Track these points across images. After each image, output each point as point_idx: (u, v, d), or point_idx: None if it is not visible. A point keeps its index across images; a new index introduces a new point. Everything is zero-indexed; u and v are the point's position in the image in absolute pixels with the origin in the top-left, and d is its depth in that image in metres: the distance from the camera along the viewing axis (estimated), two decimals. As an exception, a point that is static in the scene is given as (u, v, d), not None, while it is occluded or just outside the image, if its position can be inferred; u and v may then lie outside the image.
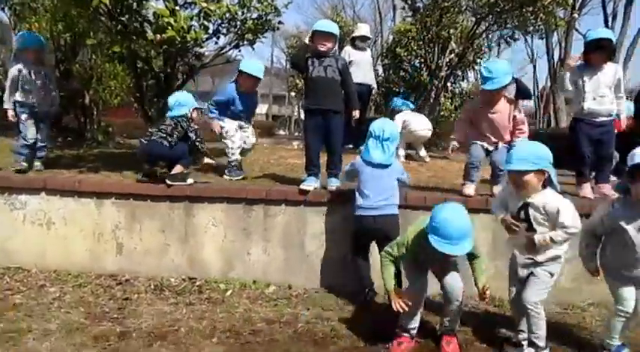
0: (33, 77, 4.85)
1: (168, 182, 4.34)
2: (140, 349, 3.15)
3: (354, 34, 7.82)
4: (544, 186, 2.95)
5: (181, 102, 4.58)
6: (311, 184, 4.22)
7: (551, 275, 3.03)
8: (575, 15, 6.96)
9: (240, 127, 5.01)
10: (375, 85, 7.94)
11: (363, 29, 7.84)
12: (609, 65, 4.52)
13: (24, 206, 4.41)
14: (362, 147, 3.97)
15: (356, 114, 4.42)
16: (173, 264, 4.35)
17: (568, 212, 2.88)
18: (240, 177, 4.79)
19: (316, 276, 4.30)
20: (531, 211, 2.98)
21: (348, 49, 7.64)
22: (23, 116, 4.84)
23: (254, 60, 5.09)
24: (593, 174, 4.75)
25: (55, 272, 4.32)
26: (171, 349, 3.17)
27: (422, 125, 6.71)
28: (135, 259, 4.37)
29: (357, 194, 3.80)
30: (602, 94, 4.48)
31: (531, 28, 6.84)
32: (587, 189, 4.56)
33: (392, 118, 6.12)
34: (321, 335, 3.44)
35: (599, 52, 4.44)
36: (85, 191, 4.37)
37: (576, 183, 4.67)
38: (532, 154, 2.90)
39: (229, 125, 4.94)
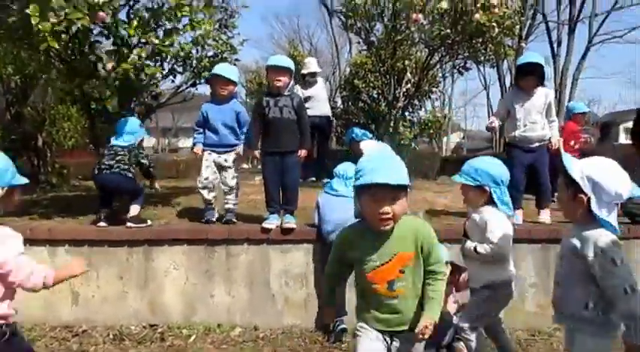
0: None
1: (130, 225, 4.23)
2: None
3: (302, 72, 7.72)
4: (487, 204, 2.94)
5: (130, 130, 4.52)
6: (273, 222, 4.15)
7: (483, 302, 2.96)
8: (523, 44, 7.25)
9: (218, 165, 4.41)
10: (330, 120, 7.86)
11: (311, 66, 7.74)
12: (540, 90, 4.59)
13: (-29, 258, 4.19)
14: (325, 181, 4.02)
15: (303, 153, 4.23)
16: (132, 310, 4.19)
17: (496, 228, 2.84)
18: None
19: (282, 316, 4.20)
20: (468, 224, 3.04)
21: (298, 88, 7.33)
22: None
23: (226, 64, 4.88)
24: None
25: (6, 327, 4.08)
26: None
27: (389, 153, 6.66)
28: (92, 308, 4.19)
29: (321, 222, 4.01)
30: (533, 121, 4.56)
31: (482, 57, 7.08)
32: (519, 216, 4.57)
33: (351, 149, 6.13)
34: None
35: (529, 77, 4.53)
36: (37, 239, 4.19)
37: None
38: (476, 170, 2.93)
39: (205, 156, 4.43)
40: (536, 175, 4.65)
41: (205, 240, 4.19)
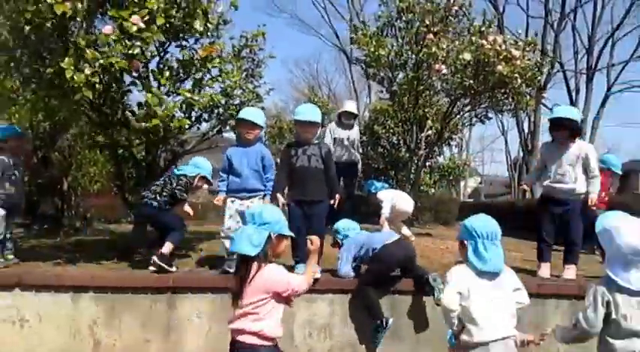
0: (13, 169, 4.73)
1: (155, 261, 4.23)
2: None
3: (339, 110, 7.48)
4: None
5: (197, 164, 4.66)
6: (300, 272, 4.09)
7: None
8: (544, 95, 7.28)
9: (239, 213, 4.27)
10: (359, 162, 7.73)
11: (349, 105, 7.50)
12: (576, 144, 4.54)
13: (-4, 303, 4.20)
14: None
15: (334, 201, 4.35)
16: (154, 360, 4.13)
17: (448, 279, 2.85)
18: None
19: (307, 368, 4.11)
20: None
21: (332, 126, 7.31)
22: (1, 211, 4.61)
23: (253, 108, 4.84)
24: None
25: (27, 375, 4.05)
26: None
27: (407, 201, 6.54)
28: (113, 356, 4.14)
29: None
30: (562, 173, 4.51)
31: (504, 107, 7.12)
32: (544, 270, 4.53)
33: (369, 200, 6.11)
34: None
35: (560, 130, 4.52)
36: (62, 285, 4.20)
37: (537, 261, 4.65)
38: (461, 226, 2.95)
39: (227, 205, 4.42)
40: (566, 230, 4.56)
41: (230, 289, 4.14)
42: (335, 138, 7.16)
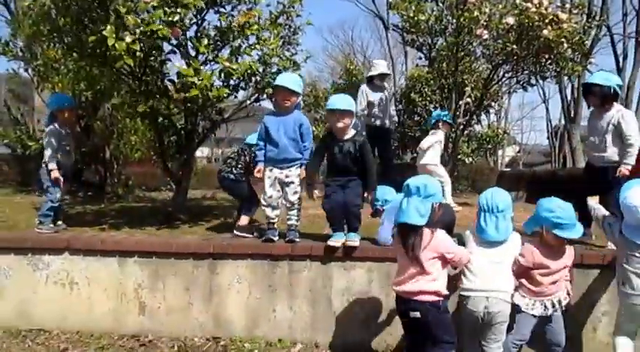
0: (66, 137, 4.86)
1: (236, 233, 4.55)
2: None
3: (370, 73, 7.33)
4: None
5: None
6: (340, 240, 4.11)
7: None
8: (592, 59, 6.97)
9: (280, 182, 4.34)
10: (393, 126, 7.57)
11: (380, 66, 7.33)
12: (611, 110, 4.38)
13: (47, 266, 4.39)
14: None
15: (370, 195, 4.24)
16: (197, 322, 4.26)
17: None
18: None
19: (343, 334, 4.17)
20: None
21: (364, 88, 7.21)
22: (61, 178, 4.75)
23: (289, 74, 4.76)
24: None
25: (77, 334, 4.24)
26: None
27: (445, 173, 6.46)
28: (158, 319, 4.29)
29: None
30: (594, 140, 4.47)
31: (548, 73, 6.88)
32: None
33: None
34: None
35: (590, 97, 4.48)
36: (108, 250, 4.35)
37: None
38: None
39: (267, 174, 4.38)
40: (602, 200, 4.44)
41: (269, 255, 4.22)
42: (369, 102, 7.08)
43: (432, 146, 6.33)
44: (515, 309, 3.38)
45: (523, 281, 3.41)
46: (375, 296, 4.15)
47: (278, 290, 4.22)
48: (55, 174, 4.68)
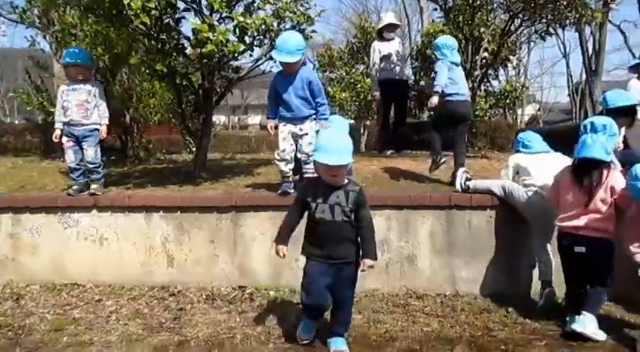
0: (73, 95, 4.66)
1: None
2: (199, 357, 3.22)
3: (379, 26, 7.18)
4: None
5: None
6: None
7: None
8: (613, 6, 6.78)
9: (294, 135, 4.36)
10: (410, 79, 7.45)
11: (387, 18, 7.20)
12: None
13: (77, 224, 4.56)
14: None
15: (367, 264, 3.14)
16: (223, 273, 4.42)
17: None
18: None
19: (364, 280, 4.26)
20: None
21: (375, 44, 7.12)
22: (63, 138, 4.71)
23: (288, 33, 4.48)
24: None
25: (109, 287, 4.43)
26: (230, 356, 3.22)
27: None
28: (186, 270, 4.46)
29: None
30: None
31: (567, 21, 6.72)
32: None
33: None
34: (375, 338, 3.45)
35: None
36: (134, 206, 4.49)
37: None
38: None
39: (280, 129, 4.40)
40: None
41: (289, 206, 4.30)
42: (382, 57, 7.01)
43: None
44: None
45: None
46: (393, 243, 4.25)
47: (300, 241, 4.30)
48: (56, 134, 4.72)
